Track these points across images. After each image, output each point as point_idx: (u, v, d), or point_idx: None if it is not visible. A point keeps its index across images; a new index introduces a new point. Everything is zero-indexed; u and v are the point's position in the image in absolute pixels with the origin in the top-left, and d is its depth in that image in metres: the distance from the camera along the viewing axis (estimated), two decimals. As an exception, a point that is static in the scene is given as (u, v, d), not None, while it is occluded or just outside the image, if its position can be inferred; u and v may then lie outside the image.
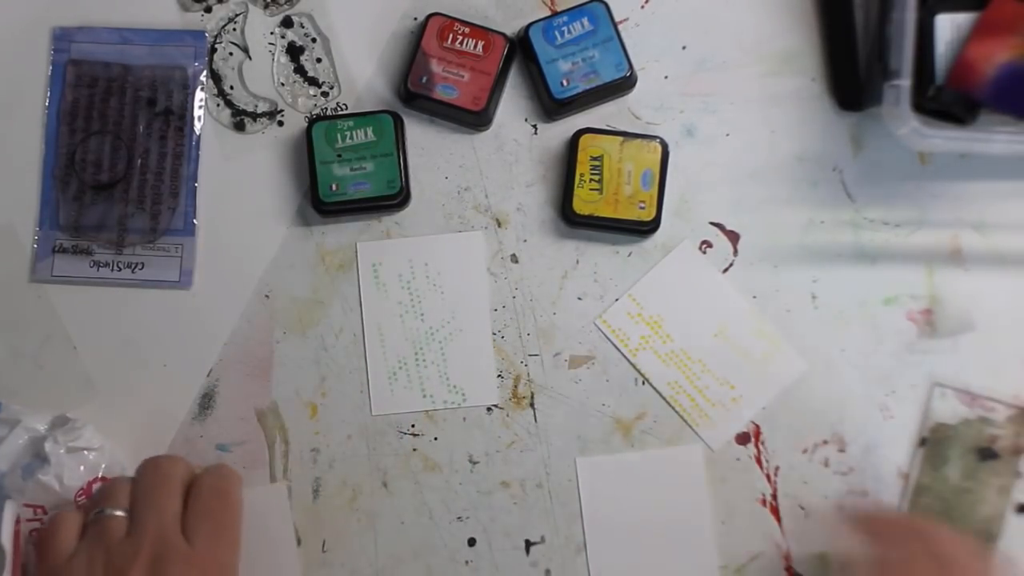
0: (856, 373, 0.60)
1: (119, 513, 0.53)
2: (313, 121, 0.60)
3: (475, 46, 0.60)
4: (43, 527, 0.55)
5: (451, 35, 0.60)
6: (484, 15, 0.62)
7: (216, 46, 0.62)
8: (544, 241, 0.61)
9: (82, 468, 0.56)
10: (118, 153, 0.62)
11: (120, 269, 0.61)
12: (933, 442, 0.59)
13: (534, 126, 0.62)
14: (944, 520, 0.58)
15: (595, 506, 0.59)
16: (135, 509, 0.53)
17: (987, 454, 0.58)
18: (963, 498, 0.58)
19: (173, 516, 0.53)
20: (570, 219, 0.59)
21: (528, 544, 0.59)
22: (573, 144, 0.59)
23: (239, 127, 0.62)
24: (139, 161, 0.61)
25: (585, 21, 0.60)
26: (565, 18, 0.60)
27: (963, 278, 0.60)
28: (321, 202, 0.59)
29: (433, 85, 0.60)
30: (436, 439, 0.60)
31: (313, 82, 0.62)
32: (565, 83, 0.60)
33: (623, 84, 0.60)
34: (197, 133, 0.62)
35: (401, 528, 0.59)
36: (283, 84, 0.62)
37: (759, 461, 0.59)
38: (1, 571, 0.55)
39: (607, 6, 0.60)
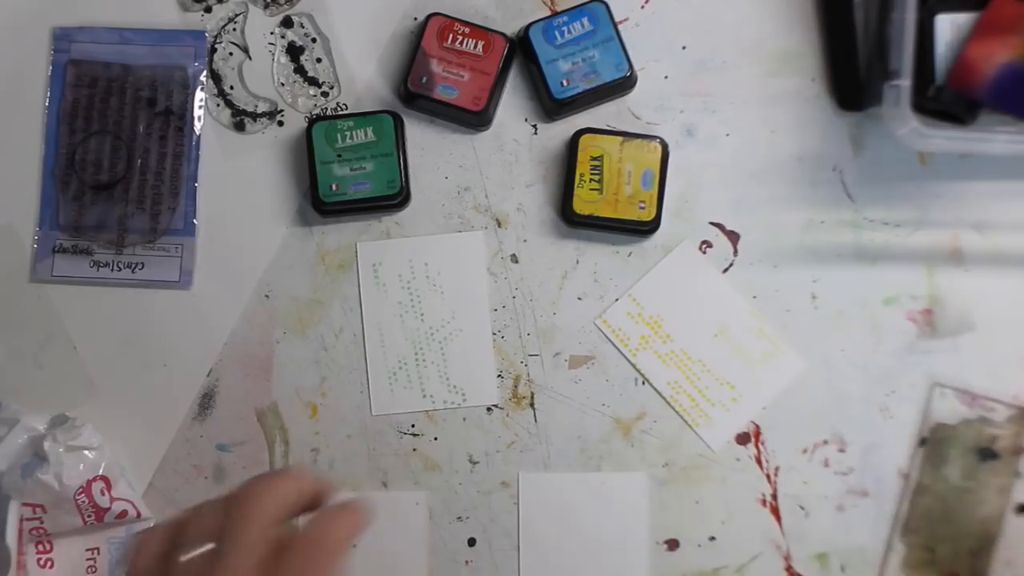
0: (856, 373, 0.60)
1: (196, 553, 0.42)
2: (313, 121, 0.60)
3: (475, 46, 0.60)
4: (128, 549, 0.53)
5: (451, 35, 0.60)
6: (484, 15, 0.62)
7: (216, 46, 0.62)
8: (544, 241, 0.61)
9: (81, 467, 0.56)
10: (118, 153, 0.62)
11: (120, 269, 0.61)
12: (933, 442, 0.59)
13: (534, 126, 0.62)
14: (944, 520, 0.58)
15: (532, 523, 0.59)
16: (218, 543, 0.42)
17: (987, 454, 0.58)
18: (963, 498, 0.58)
19: (256, 565, 0.41)
20: (570, 219, 0.59)
21: (528, 544, 0.59)
22: (573, 144, 0.59)
23: (239, 127, 0.62)
24: (139, 161, 0.61)
25: (585, 21, 0.60)
26: (565, 18, 0.60)
27: (963, 278, 0.60)
28: (321, 202, 0.59)
29: (433, 85, 0.60)
30: (436, 439, 0.60)
31: (313, 82, 0.62)
32: (565, 83, 0.60)
33: (623, 84, 0.60)
34: (197, 133, 0.62)
35: (401, 528, 0.59)
36: (283, 84, 0.62)
37: (759, 461, 0.59)
38: (6, 570, 0.55)
39: (607, 6, 0.60)
